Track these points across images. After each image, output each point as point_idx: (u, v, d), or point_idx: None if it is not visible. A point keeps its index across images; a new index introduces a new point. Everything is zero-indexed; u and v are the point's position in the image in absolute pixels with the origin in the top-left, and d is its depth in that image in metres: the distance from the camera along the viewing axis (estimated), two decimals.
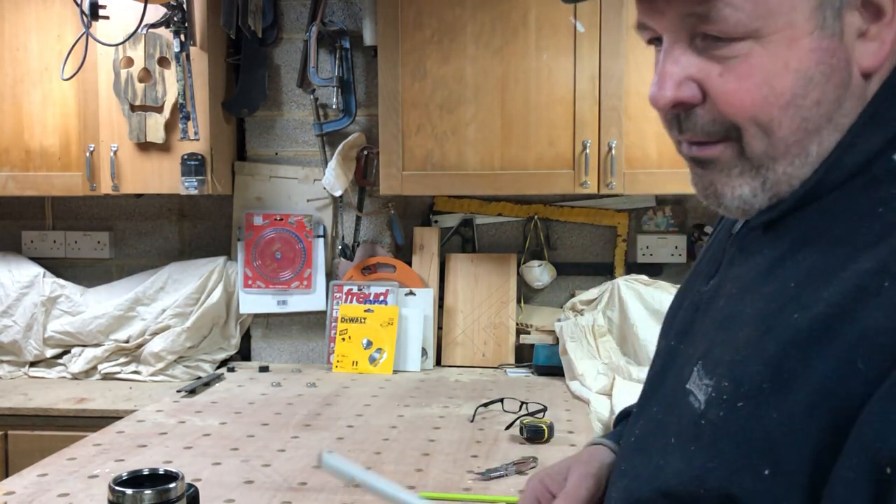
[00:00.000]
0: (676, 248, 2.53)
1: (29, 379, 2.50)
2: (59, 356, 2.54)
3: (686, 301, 0.76)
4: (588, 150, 2.16)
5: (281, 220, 2.56)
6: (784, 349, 0.55)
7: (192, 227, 2.71)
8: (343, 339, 2.47)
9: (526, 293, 2.59)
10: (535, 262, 2.52)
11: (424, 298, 2.50)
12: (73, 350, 2.51)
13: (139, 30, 2.07)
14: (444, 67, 2.22)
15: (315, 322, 2.61)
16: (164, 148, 2.33)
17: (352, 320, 2.48)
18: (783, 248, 0.62)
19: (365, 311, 2.49)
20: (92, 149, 2.34)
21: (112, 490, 1.05)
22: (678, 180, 2.15)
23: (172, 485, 1.06)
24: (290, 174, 2.59)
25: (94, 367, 2.49)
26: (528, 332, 2.48)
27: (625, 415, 0.95)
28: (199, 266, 2.55)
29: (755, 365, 0.57)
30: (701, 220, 2.52)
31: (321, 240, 2.57)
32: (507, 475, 1.51)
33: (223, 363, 2.57)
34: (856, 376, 0.51)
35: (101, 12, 2.07)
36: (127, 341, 2.48)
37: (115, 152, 2.33)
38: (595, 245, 2.59)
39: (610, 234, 2.57)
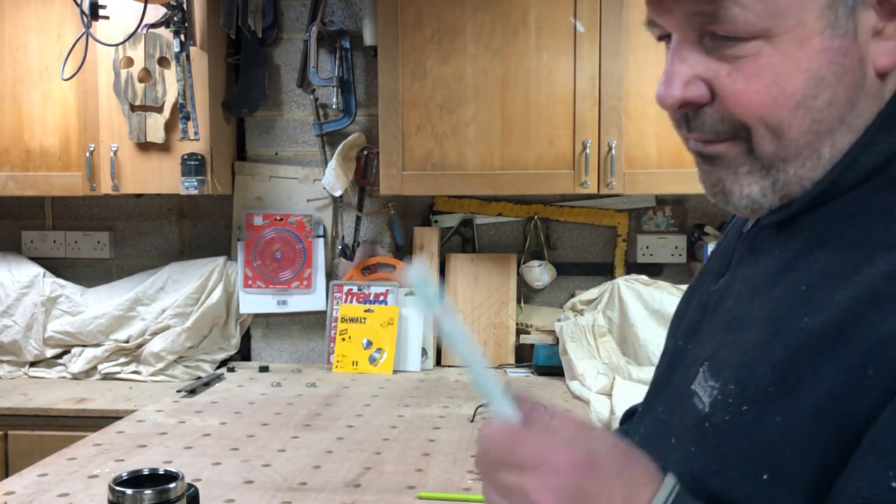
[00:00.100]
0: (676, 248, 2.53)
1: (29, 379, 2.50)
2: (59, 356, 2.54)
3: (695, 300, 0.75)
4: (588, 150, 2.16)
5: (281, 220, 2.56)
6: (793, 353, 0.54)
7: (192, 227, 2.71)
8: (343, 339, 2.47)
9: (526, 293, 2.59)
10: (535, 262, 2.52)
11: None
12: (73, 350, 2.51)
13: (139, 30, 2.07)
14: (444, 67, 2.22)
15: (315, 322, 2.61)
16: (164, 148, 2.33)
17: (352, 320, 2.48)
18: (795, 249, 0.61)
19: (365, 311, 2.49)
20: (92, 149, 2.34)
21: (112, 490, 1.05)
22: (678, 180, 2.15)
23: (172, 485, 1.06)
24: (290, 174, 2.59)
25: (94, 367, 2.49)
26: (528, 332, 2.48)
27: (630, 413, 0.94)
28: (199, 266, 2.55)
29: (762, 368, 0.56)
30: (701, 220, 2.52)
31: (321, 240, 2.57)
32: None
33: (223, 363, 2.57)
34: (866, 382, 0.50)
35: (101, 12, 2.07)
36: (127, 341, 2.48)
37: (115, 152, 2.32)
38: (595, 245, 2.59)
39: (610, 234, 2.57)
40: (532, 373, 2.44)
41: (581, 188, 2.18)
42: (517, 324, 2.51)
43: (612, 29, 2.16)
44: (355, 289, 2.52)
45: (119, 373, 2.48)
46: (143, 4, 1.97)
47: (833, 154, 0.60)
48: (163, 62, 2.30)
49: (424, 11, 2.21)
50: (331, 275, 2.60)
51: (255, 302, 2.57)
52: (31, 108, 2.38)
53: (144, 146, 2.33)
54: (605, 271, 2.56)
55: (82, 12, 2.06)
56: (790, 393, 0.54)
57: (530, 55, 2.19)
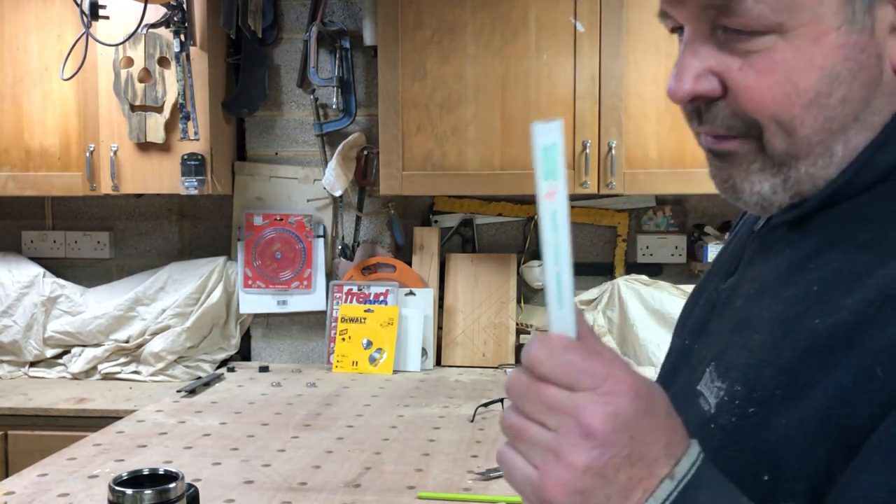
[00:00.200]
0: (676, 248, 2.53)
1: (29, 379, 2.50)
2: (59, 356, 2.54)
3: (702, 299, 0.73)
4: (588, 150, 2.16)
5: (281, 220, 2.56)
6: (802, 356, 0.54)
7: (192, 227, 2.71)
8: (343, 339, 2.47)
9: (526, 293, 2.59)
10: (535, 262, 2.52)
11: (424, 298, 2.50)
12: (73, 350, 2.51)
13: (139, 30, 2.07)
14: (444, 67, 2.22)
15: (315, 322, 2.61)
16: (164, 148, 2.33)
17: (352, 320, 2.48)
18: (807, 249, 0.60)
19: (365, 311, 2.49)
20: (92, 149, 2.34)
21: (112, 490, 1.05)
22: (678, 180, 2.15)
23: (172, 485, 1.06)
24: (290, 174, 2.59)
25: (94, 367, 2.49)
26: (528, 332, 2.48)
27: None
28: (199, 266, 2.55)
29: (770, 370, 0.55)
30: (701, 220, 2.52)
31: (321, 240, 2.57)
32: None
33: (223, 363, 2.57)
34: (873, 383, 0.49)
35: (101, 12, 2.07)
36: (127, 341, 2.48)
37: (115, 152, 2.33)
38: (595, 245, 2.59)
39: (610, 234, 2.57)
40: None
41: (581, 188, 2.18)
42: (517, 324, 2.51)
43: (612, 29, 2.16)
44: (355, 289, 2.53)
45: (119, 373, 2.48)
46: (143, 4, 1.97)
47: (847, 152, 0.58)
48: (163, 62, 2.30)
49: (424, 11, 2.21)
50: (331, 275, 2.60)
51: (255, 302, 2.57)
52: (31, 108, 2.38)
53: (144, 146, 2.33)
54: (604, 271, 2.56)
55: (82, 12, 2.06)
56: (798, 395, 0.53)
57: (530, 55, 2.19)
